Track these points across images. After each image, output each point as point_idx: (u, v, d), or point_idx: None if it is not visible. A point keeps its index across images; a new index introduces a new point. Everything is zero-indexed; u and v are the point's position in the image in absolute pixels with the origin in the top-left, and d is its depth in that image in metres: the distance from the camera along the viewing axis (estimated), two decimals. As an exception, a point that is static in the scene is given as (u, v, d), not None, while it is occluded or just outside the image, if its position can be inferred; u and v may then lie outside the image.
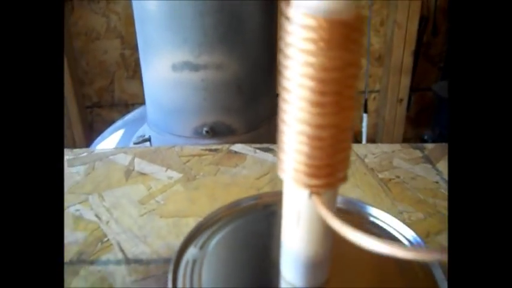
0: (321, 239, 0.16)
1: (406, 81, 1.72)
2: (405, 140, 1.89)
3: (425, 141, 1.50)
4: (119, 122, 0.74)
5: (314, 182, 0.15)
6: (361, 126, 1.63)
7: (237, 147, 0.49)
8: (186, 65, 0.46)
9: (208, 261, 0.19)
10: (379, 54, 1.76)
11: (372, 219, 0.23)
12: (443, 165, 0.45)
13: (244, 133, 0.50)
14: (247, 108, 0.46)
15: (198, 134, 0.51)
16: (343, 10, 0.13)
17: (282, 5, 0.14)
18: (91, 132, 1.87)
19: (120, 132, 0.67)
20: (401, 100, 1.75)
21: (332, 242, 0.17)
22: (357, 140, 1.71)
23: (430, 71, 1.82)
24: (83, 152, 0.48)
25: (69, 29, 1.67)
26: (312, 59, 0.13)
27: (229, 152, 0.48)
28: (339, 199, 0.24)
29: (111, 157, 0.47)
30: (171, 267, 0.19)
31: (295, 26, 0.13)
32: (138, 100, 1.80)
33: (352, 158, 0.47)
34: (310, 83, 0.13)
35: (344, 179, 0.15)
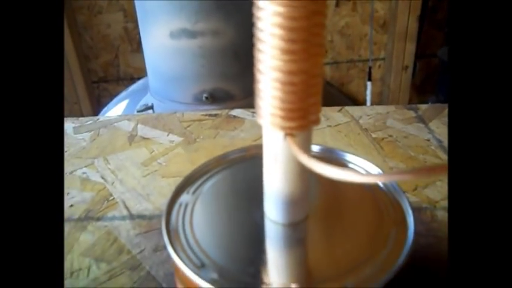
0: (297, 178, 0.18)
1: (411, 47, 1.71)
2: (411, 107, 1.89)
3: (430, 108, 1.49)
4: (123, 93, 0.75)
5: (288, 124, 0.16)
6: (365, 95, 1.63)
7: (236, 111, 0.50)
8: (183, 32, 0.47)
9: (200, 205, 0.21)
10: (384, 20, 1.74)
11: (350, 165, 0.25)
12: (435, 125, 0.46)
13: (242, 98, 0.52)
14: (244, 74, 0.48)
15: (198, 100, 0.52)
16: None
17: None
18: (99, 107, 1.89)
19: (125, 103, 0.69)
20: (406, 67, 1.74)
21: (308, 181, 0.19)
22: (362, 108, 1.71)
23: (436, 37, 1.80)
24: (88, 120, 0.50)
25: (72, 3, 1.67)
26: (280, 9, 0.14)
27: (228, 116, 0.49)
28: (320, 148, 0.26)
29: (115, 124, 0.49)
30: (164, 210, 0.21)
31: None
32: (143, 74, 1.81)
33: (347, 119, 0.48)
34: (280, 32, 0.15)
35: (316, 121, 0.17)
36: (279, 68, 0.15)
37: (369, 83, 1.54)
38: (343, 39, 1.77)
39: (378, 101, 1.91)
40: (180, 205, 0.21)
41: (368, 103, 1.55)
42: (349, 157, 0.25)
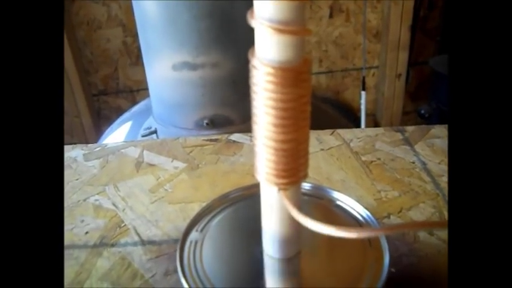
0: (290, 222, 0.21)
1: (404, 56, 1.75)
2: (405, 113, 1.93)
3: (422, 116, 1.54)
4: (126, 114, 0.79)
5: (281, 181, 0.20)
6: (359, 104, 1.66)
7: (235, 136, 0.54)
8: (185, 65, 0.51)
9: (207, 241, 0.24)
10: (377, 30, 1.78)
11: (338, 202, 0.28)
12: (421, 147, 0.50)
13: (241, 123, 0.55)
14: (242, 100, 0.52)
15: (199, 126, 0.56)
16: (292, 60, 0.17)
17: (249, 54, 0.18)
18: (99, 119, 1.92)
19: (128, 124, 0.72)
20: (399, 75, 1.78)
21: (299, 223, 0.22)
22: (356, 116, 1.75)
23: (428, 45, 1.84)
24: (96, 147, 0.54)
25: (71, 19, 1.71)
26: (272, 95, 0.18)
27: (228, 141, 0.53)
28: (311, 186, 0.29)
29: (122, 150, 0.53)
30: (178, 248, 0.24)
31: (259, 72, 0.18)
32: (143, 86, 1.85)
33: (339, 142, 0.52)
34: (272, 111, 0.18)
35: (305, 176, 0.20)
36: (271, 138, 0.19)
37: (363, 93, 1.58)
38: (338, 49, 1.81)
39: (373, 108, 1.95)
40: (191, 242, 0.25)
41: (362, 112, 1.59)
42: (336, 195, 0.29)
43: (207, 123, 0.55)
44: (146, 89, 1.72)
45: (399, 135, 0.52)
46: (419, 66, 1.85)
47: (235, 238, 0.25)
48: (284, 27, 0.16)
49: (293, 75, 0.17)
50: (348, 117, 1.87)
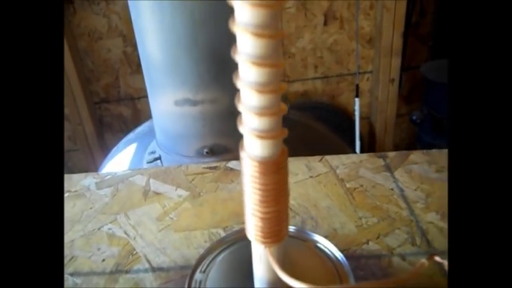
0: (273, 271, 0.27)
1: (396, 61, 1.80)
2: (399, 116, 1.98)
3: (414, 122, 1.59)
4: (131, 135, 0.84)
5: (266, 240, 0.25)
6: (353, 110, 1.72)
7: (232, 163, 0.59)
8: (186, 101, 0.56)
9: (209, 281, 0.30)
10: (370, 36, 1.83)
11: (317, 244, 0.34)
12: (400, 173, 0.55)
13: (237, 150, 0.61)
14: (238, 130, 0.58)
15: (199, 154, 0.61)
16: (273, 155, 0.23)
17: (239, 147, 0.24)
18: (101, 126, 1.98)
19: (133, 146, 0.78)
20: (393, 80, 1.84)
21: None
22: (351, 120, 1.80)
23: (420, 50, 1.89)
24: (107, 175, 0.59)
25: (73, 30, 1.75)
26: (256, 180, 0.23)
27: (226, 168, 0.58)
28: (294, 229, 0.35)
29: (130, 179, 0.58)
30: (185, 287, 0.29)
31: (246, 163, 0.23)
32: (143, 93, 1.90)
33: (326, 169, 0.57)
34: (257, 191, 0.23)
35: (285, 235, 0.26)
36: (258, 210, 0.24)
37: (357, 100, 1.63)
38: (332, 55, 1.86)
39: (367, 111, 2.00)
40: (196, 282, 0.30)
41: (357, 119, 1.64)
42: (317, 238, 0.34)
43: (206, 152, 0.60)
44: (146, 96, 1.77)
45: (381, 162, 0.57)
46: (412, 71, 1.90)
47: (233, 278, 0.31)
48: (263, 88, 0.22)
49: (273, 166, 0.23)
50: (343, 121, 1.92)
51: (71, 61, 1.75)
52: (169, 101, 0.57)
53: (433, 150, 0.60)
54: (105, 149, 1.98)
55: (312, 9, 1.75)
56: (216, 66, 0.54)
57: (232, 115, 0.58)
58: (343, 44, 1.84)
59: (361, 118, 1.89)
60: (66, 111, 1.90)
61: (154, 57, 0.55)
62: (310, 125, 0.81)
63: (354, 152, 1.52)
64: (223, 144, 0.60)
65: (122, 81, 1.88)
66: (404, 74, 1.89)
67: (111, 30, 1.77)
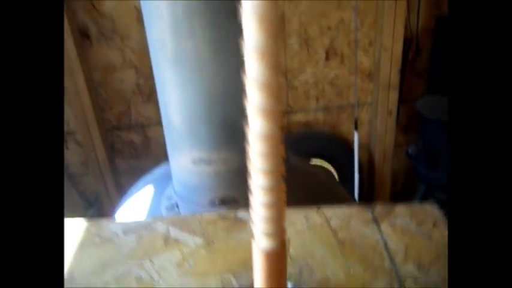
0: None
1: (394, 95, 1.90)
2: (397, 145, 2.08)
3: (410, 156, 1.68)
4: (149, 177, 0.93)
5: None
6: (353, 141, 1.81)
7: (241, 214, 0.68)
8: (202, 160, 0.66)
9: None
10: (369, 71, 1.93)
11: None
12: (385, 225, 0.64)
13: (244, 201, 0.70)
14: (245, 185, 0.68)
15: (212, 204, 0.70)
16: (275, 247, 0.32)
17: (251, 240, 0.33)
18: (112, 152, 2.08)
19: (151, 188, 0.87)
20: (390, 112, 1.93)
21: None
22: (351, 149, 1.88)
23: (417, 83, 1.99)
24: (132, 223, 0.68)
25: (89, 63, 1.87)
26: (262, 267, 0.32)
27: (236, 219, 0.67)
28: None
29: (152, 225, 0.67)
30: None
31: (257, 251, 0.32)
32: (153, 121, 2.00)
33: (322, 220, 0.66)
34: (263, 273, 0.32)
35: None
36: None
37: (355, 133, 1.72)
38: (333, 88, 1.96)
39: (367, 140, 2.09)
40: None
41: (356, 151, 1.73)
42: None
43: (218, 203, 0.69)
44: (156, 124, 1.88)
45: (369, 215, 0.66)
46: (409, 103, 2.00)
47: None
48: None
49: (275, 256, 0.32)
50: (344, 150, 2.01)
51: (86, 91, 1.86)
52: (187, 159, 0.66)
53: (416, 204, 0.69)
54: (115, 173, 2.08)
55: (314, 45, 1.86)
56: (228, 132, 0.63)
57: (240, 172, 0.68)
58: (343, 78, 1.94)
59: (361, 147, 1.98)
60: (80, 137, 2.00)
61: (175, 123, 0.64)
62: (311, 172, 0.91)
63: (354, 185, 1.60)
64: (233, 195, 0.69)
65: (133, 109, 1.98)
66: (402, 106, 1.99)
67: (125, 63, 1.88)
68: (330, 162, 2.00)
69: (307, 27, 1.81)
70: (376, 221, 0.65)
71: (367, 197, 2.16)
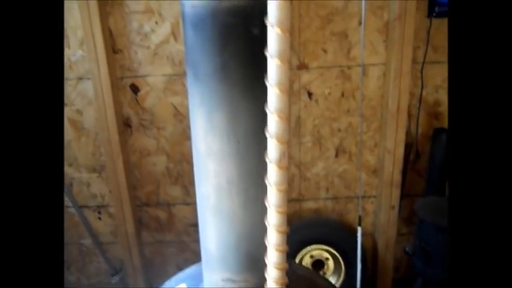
0: None
1: (396, 192, 2.10)
2: (399, 235, 2.25)
3: (407, 253, 1.85)
4: (181, 275, 1.15)
5: None
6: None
7: (256, 321, 0.88)
8: (229, 279, 0.87)
9: None
10: (375, 168, 2.15)
11: None
12: None
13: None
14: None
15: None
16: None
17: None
18: (140, 226, 2.29)
19: (183, 285, 1.08)
20: (393, 207, 2.13)
21: None
22: (356, 237, 2.06)
23: (417, 181, 2.19)
24: (172, 323, 0.88)
25: (127, 148, 2.13)
26: None
27: (251, 326, 0.87)
28: None
29: (187, 327, 0.87)
30: None
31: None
32: (177, 201, 2.23)
33: (318, 332, 0.85)
34: None
35: None
36: None
37: (359, 229, 1.91)
38: (342, 181, 2.18)
39: (372, 229, 2.27)
40: None
41: (359, 245, 1.90)
42: None
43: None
44: (180, 203, 2.11)
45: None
46: (411, 198, 2.19)
47: None
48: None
49: None
50: (349, 237, 2.19)
51: (123, 171, 2.11)
52: (217, 277, 0.88)
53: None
54: (140, 244, 2.28)
55: (325, 144, 2.10)
56: (251, 260, 0.85)
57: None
58: (351, 173, 2.16)
59: (366, 235, 2.17)
60: (112, 210, 2.24)
61: (211, 250, 0.87)
62: (314, 280, 1.10)
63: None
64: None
65: (161, 189, 2.22)
66: (404, 201, 2.18)
67: (159, 149, 2.14)
68: (336, 247, 2.17)
69: (319, 129, 2.06)
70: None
71: (370, 282, 2.30)
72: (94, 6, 1.82)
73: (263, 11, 0.58)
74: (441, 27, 1.90)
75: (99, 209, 2.27)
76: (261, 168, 0.70)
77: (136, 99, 2.04)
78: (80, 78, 2.01)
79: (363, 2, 1.75)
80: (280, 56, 0.53)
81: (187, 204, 2.21)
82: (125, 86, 2.02)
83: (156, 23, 1.91)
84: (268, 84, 0.56)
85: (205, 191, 0.83)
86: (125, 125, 2.09)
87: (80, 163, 2.15)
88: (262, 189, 0.69)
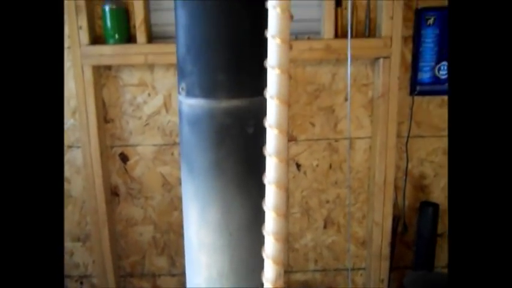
0: None
1: (385, 264, 2.08)
2: (390, 307, 2.20)
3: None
4: None
5: None
6: (347, 309, 1.95)
7: None
8: None
9: None
10: (363, 239, 2.15)
11: None
12: None
13: None
14: None
15: None
16: None
17: None
18: (122, 299, 2.21)
19: None
20: (382, 280, 2.10)
21: None
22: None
23: (406, 253, 2.18)
24: None
25: (114, 216, 2.10)
26: None
27: None
28: None
29: None
30: None
31: None
32: (163, 271, 2.17)
33: None
34: None
35: None
36: None
37: (348, 305, 1.88)
38: (330, 252, 2.16)
39: (361, 302, 2.22)
40: None
41: (348, 321, 1.86)
42: None
43: None
44: (166, 274, 2.04)
45: None
46: (400, 270, 2.17)
47: None
48: None
49: None
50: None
51: (108, 241, 2.06)
52: None
53: None
54: (122, 319, 2.19)
55: (313, 215, 2.10)
56: None
57: None
58: (339, 244, 2.15)
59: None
60: (95, 281, 2.16)
61: None
62: None
63: None
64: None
65: (147, 260, 2.17)
66: (393, 273, 2.16)
67: (146, 219, 2.11)
68: (325, 322, 2.11)
69: (308, 200, 2.07)
70: None
71: None
72: (89, 77, 1.87)
73: (258, 111, 0.60)
74: (423, 104, 1.99)
75: (82, 279, 2.19)
76: (253, 260, 0.70)
77: (125, 168, 2.05)
78: (70, 147, 2.01)
79: (349, 80, 1.83)
80: (279, 126, 0.53)
81: (172, 275, 2.15)
82: (114, 154, 2.03)
83: (149, 95, 1.96)
84: (267, 154, 0.54)
85: (196, 283, 0.82)
86: (112, 193, 2.07)
87: (65, 231, 2.10)
88: (253, 281, 0.69)
